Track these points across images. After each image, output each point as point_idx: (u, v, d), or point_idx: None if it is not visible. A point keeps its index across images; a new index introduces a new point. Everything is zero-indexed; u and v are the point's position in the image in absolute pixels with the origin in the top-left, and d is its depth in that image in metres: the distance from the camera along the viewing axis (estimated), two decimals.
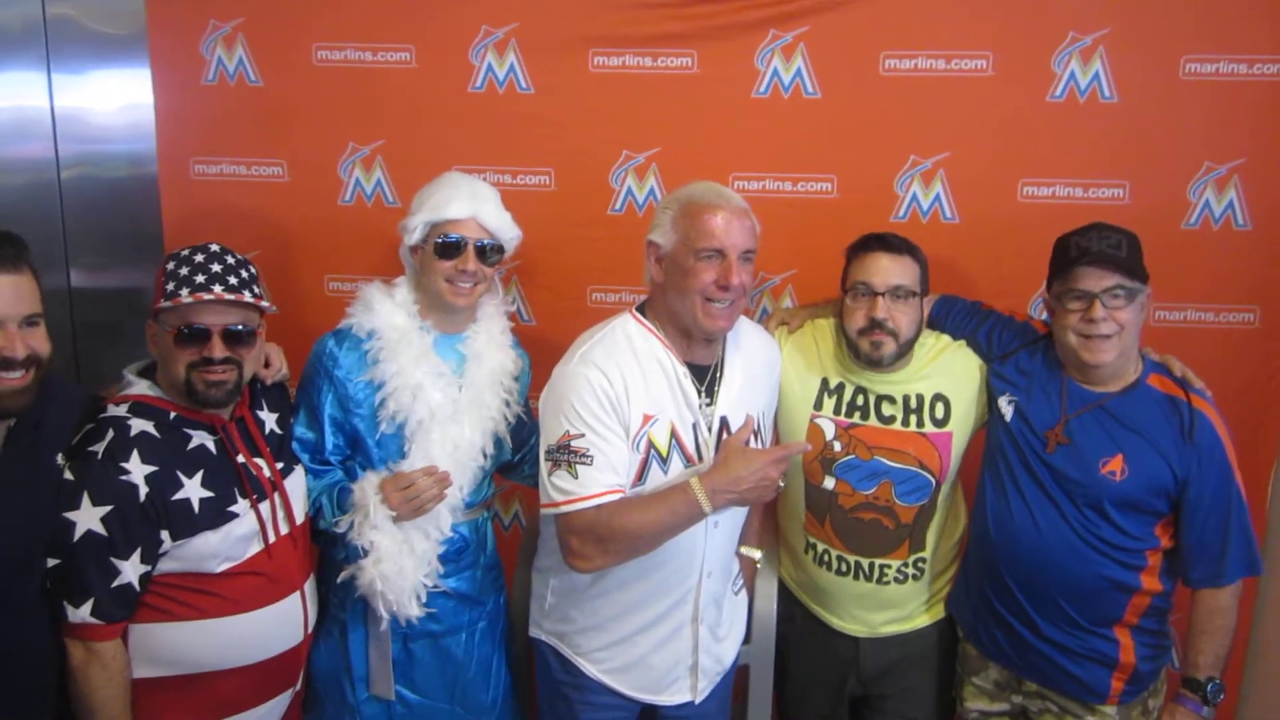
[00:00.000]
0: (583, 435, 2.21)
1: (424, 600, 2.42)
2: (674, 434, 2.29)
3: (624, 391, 2.24)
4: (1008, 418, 2.45)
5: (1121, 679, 2.38)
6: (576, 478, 2.20)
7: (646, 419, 2.27)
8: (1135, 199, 2.88)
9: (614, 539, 2.19)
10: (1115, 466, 2.31)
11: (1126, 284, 2.28)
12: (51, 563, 2.01)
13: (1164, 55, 2.81)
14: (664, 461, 2.28)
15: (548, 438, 2.27)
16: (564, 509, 2.21)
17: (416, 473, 2.34)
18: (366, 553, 2.35)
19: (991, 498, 2.47)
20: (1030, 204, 2.93)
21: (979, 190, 2.94)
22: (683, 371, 2.32)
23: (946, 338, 2.61)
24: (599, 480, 2.20)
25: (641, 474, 2.27)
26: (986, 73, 2.86)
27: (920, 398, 2.51)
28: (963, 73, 2.87)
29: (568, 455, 2.21)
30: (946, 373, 2.54)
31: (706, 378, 2.36)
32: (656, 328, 2.34)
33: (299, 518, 2.34)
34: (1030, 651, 2.42)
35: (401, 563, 2.36)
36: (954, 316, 2.64)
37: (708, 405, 2.34)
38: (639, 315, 2.37)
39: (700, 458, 2.31)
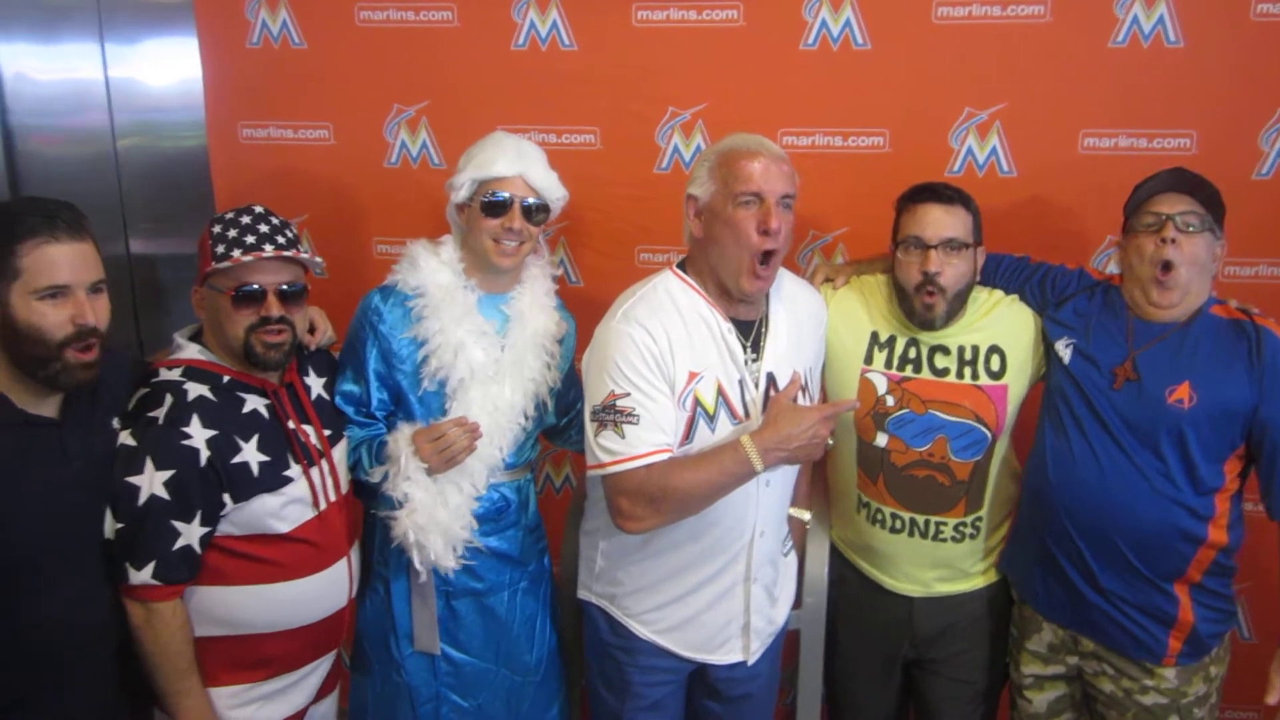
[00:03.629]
0: (628, 394, 2.19)
1: (460, 553, 2.43)
2: (720, 391, 2.26)
3: (668, 348, 2.21)
4: (1066, 360, 2.39)
5: (1179, 638, 2.31)
6: (624, 438, 2.17)
7: (692, 376, 2.23)
8: (1202, 149, 2.76)
9: (665, 499, 2.16)
10: (1183, 394, 2.25)
11: (1201, 212, 2.22)
12: (116, 526, 2.04)
13: None
14: (711, 419, 2.25)
15: (592, 398, 2.24)
16: (611, 470, 2.19)
17: (447, 423, 2.35)
18: (401, 504, 2.37)
19: (1051, 442, 2.40)
20: (1091, 155, 2.82)
21: (1037, 142, 2.84)
22: (727, 327, 2.28)
23: (999, 292, 2.55)
24: (646, 440, 2.17)
25: (689, 432, 2.24)
26: (1044, 19, 2.75)
27: (975, 349, 2.45)
28: (1019, 19, 2.76)
29: (614, 415, 2.19)
30: (1002, 324, 2.48)
31: (751, 333, 2.32)
32: (698, 284, 2.31)
33: (344, 486, 2.38)
34: (1086, 605, 2.36)
35: (435, 514, 2.37)
36: (1003, 273, 2.57)
37: (754, 361, 2.31)
38: (680, 272, 2.34)
39: (747, 415, 2.28)
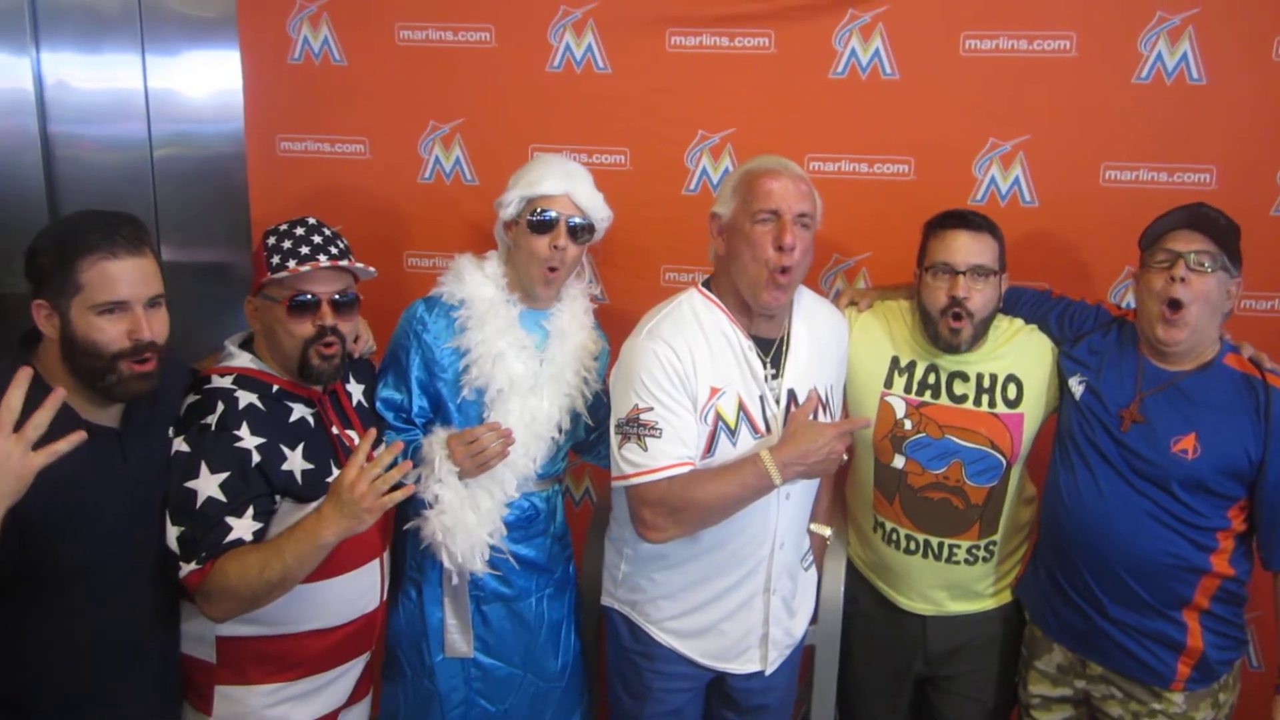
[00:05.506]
0: (651, 409, 2.26)
1: (487, 558, 2.48)
2: (741, 406, 2.32)
3: (691, 365, 2.28)
4: (1078, 396, 2.44)
5: (1189, 663, 2.35)
6: (646, 450, 2.25)
7: (714, 392, 2.30)
8: (1222, 184, 2.81)
9: (685, 510, 2.24)
10: (1187, 445, 2.29)
11: (1214, 251, 2.25)
12: (177, 531, 2.07)
13: (1256, 36, 2.74)
14: (732, 433, 2.31)
15: (617, 411, 2.32)
16: (634, 481, 2.26)
17: (481, 428, 2.41)
18: (431, 505, 2.43)
19: (1062, 477, 2.45)
20: (1112, 188, 2.87)
21: (1059, 174, 2.89)
22: (748, 345, 2.34)
23: (1020, 321, 2.60)
24: (668, 453, 2.25)
25: (710, 446, 2.31)
26: (1070, 54, 2.81)
27: (993, 377, 2.50)
28: (1045, 53, 2.82)
29: (637, 428, 2.26)
30: (1020, 354, 2.53)
31: (772, 351, 2.38)
32: (721, 301, 2.38)
33: None
34: (1097, 634, 2.40)
35: (464, 517, 2.44)
36: (1023, 304, 2.62)
37: (774, 378, 2.37)
38: (704, 290, 2.41)
39: (768, 429, 2.34)
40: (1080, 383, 2.45)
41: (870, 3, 2.85)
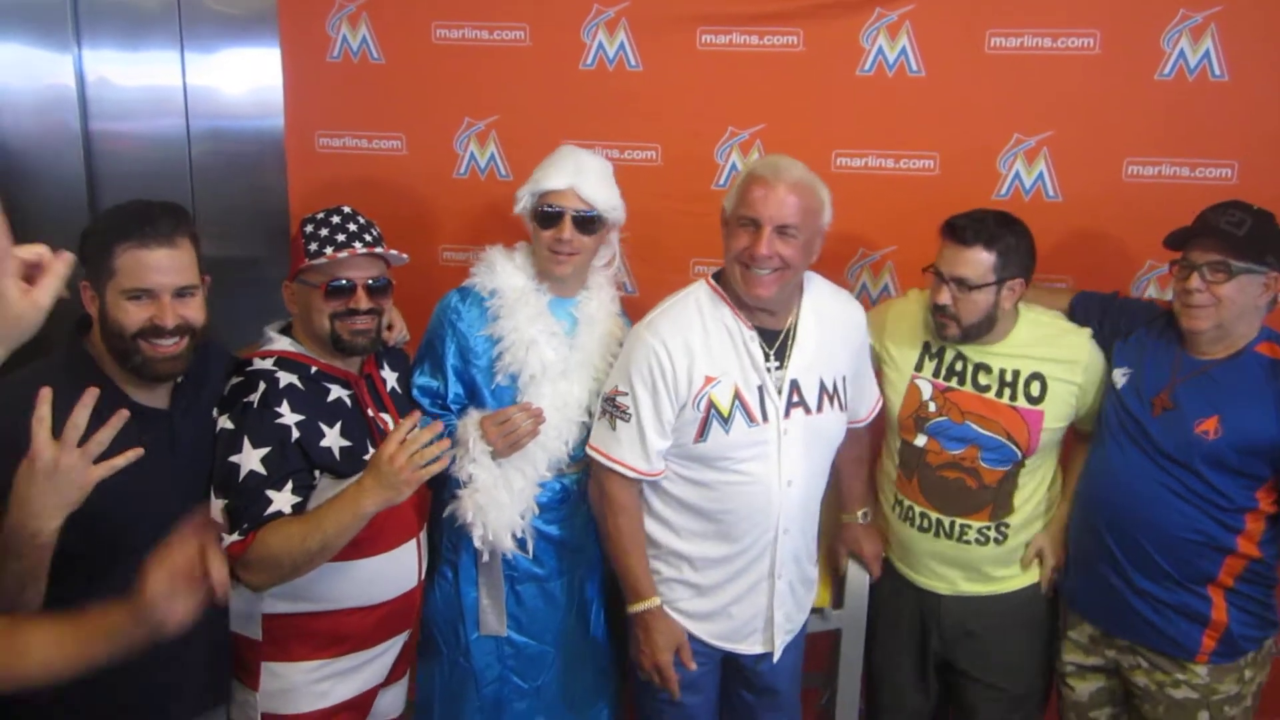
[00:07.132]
0: (626, 394, 2.40)
1: (519, 537, 2.55)
2: (737, 395, 2.39)
3: (684, 359, 2.38)
4: (1119, 385, 2.50)
5: (1213, 637, 2.40)
6: (614, 430, 2.42)
7: (709, 380, 2.39)
8: (1243, 179, 2.85)
9: (606, 508, 2.49)
10: (1209, 426, 2.34)
11: (1232, 262, 2.29)
12: (222, 504, 2.15)
13: (1278, 33, 2.77)
14: (725, 421, 2.39)
15: (607, 386, 2.48)
16: (596, 456, 2.48)
17: (512, 408, 2.50)
18: (465, 485, 2.51)
19: (1094, 455, 2.52)
20: (1135, 183, 2.91)
21: (1083, 169, 2.93)
22: (750, 335, 2.41)
23: (1063, 321, 2.64)
24: (623, 452, 2.42)
25: (702, 432, 2.40)
26: (1094, 51, 2.85)
27: (1016, 373, 2.56)
28: (1070, 51, 2.86)
29: (612, 408, 2.43)
30: (1050, 357, 2.56)
31: (778, 341, 2.45)
32: (726, 293, 2.45)
33: None
34: (1124, 607, 2.46)
35: (497, 496, 2.51)
36: (1091, 308, 2.67)
37: (777, 369, 2.43)
38: (713, 282, 2.49)
39: (766, 419, 2.40)
40: (1124, 374, 2.51)
41: (897, 1, 2.90)
